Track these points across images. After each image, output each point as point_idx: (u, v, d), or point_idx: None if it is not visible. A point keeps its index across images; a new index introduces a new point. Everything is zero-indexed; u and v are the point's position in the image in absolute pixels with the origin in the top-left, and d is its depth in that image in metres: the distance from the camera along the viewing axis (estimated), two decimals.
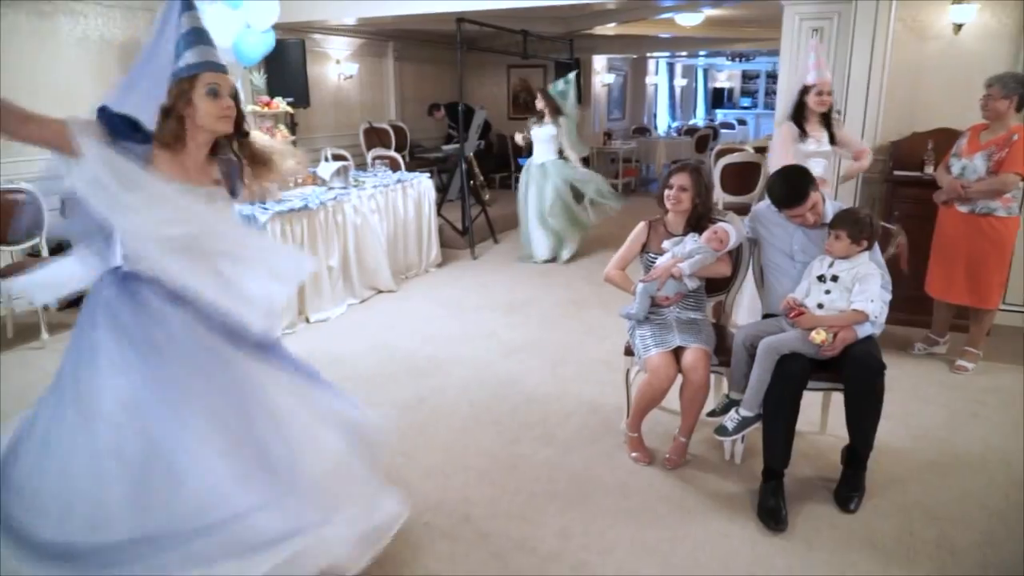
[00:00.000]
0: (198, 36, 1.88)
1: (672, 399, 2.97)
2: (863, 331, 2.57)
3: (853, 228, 2.62)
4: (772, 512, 2.53)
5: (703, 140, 11.86)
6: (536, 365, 4.03)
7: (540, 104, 6.45)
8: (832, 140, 3.84)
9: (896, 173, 4.61)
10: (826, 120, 3.83)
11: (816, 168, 3.71)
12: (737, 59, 15.59)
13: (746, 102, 19.06)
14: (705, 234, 2.85)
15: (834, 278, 2.63)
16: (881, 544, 2.43)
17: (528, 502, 2.70)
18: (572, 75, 6.64)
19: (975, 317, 3.95)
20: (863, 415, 2.55)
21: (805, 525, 2.54)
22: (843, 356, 2.55)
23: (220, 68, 1.90)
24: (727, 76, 19.85)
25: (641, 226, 3.06)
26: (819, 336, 2.50)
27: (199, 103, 1.86)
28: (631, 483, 2.82)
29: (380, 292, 5.45)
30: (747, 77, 19.06)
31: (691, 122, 15.92)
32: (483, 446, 3.12)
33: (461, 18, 6.26)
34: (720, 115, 18.23)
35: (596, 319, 4.79)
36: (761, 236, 2.97)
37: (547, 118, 6.41)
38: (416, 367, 4.01)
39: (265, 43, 5.14)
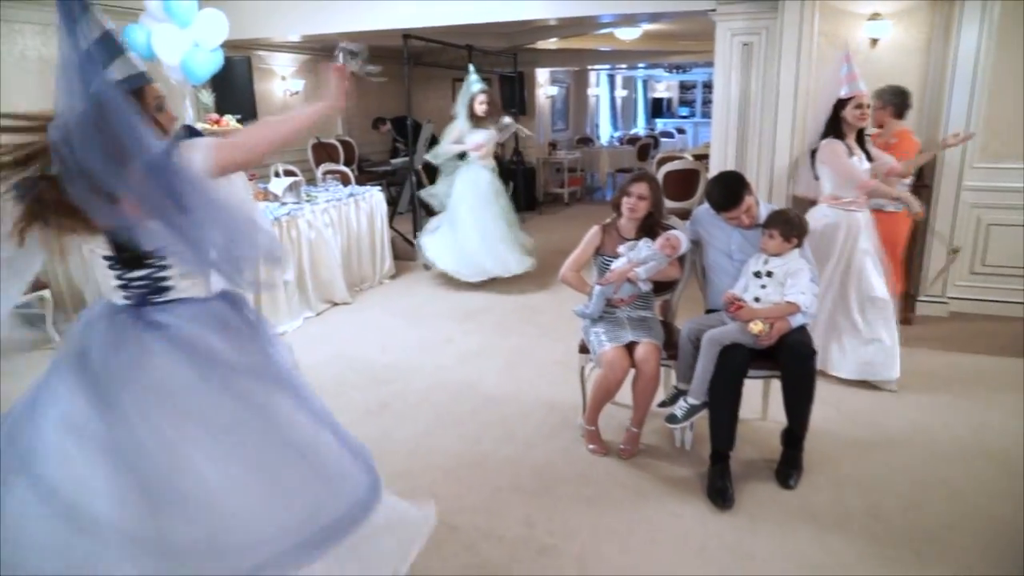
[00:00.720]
0: (117, 46, 1.63)
1: (624, 395, 3.16)
2: (796, 321, 2.80)
3: (785, 227, 2.85)
4: (720, 492, 2.73)
5: (644, 149, 12.23)
6: (493, 368, 4.18)
7: (485, 106, 5.95)
8: (869, 157, 3.71)
9: None
10: (860, 137, 3.69)
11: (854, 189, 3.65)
12: (674, 70, 16.12)
13: (684, 111, 19.69)
14: (659, 241, 3.05)
15: (769, 274, 2.86)
16: (818, 515, 2.65)
17: (493, 496, 2.83)
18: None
19: None
20: (798, 397, 2.78)
21: (750, 502, 2.74)
22: (779, 345, 2.78)
23: (151, 80, 1.74)
24: (666, 87, 20.49)
25: (595, 230, 3.24)
26: (756, 327, 2.71)
27: (151, 119, 1.69)
28: (589, 473, 2.98)
29: (336, 304, 5.51)
30: (684, 87, 19.69)
31: (632, 131, 16.37)
32: (446, 447, 3.25)
33: (407, 35, 6.40)
34: (660, 124, 18.77)
35: (550, 323, 4.96)
36: (702, 237, 3.19)
37: (485, 121, 5.98)
38: (376, 375, 4.10)
39: (214, 61, 5.17)
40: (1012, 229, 4.82)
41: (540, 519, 2.66)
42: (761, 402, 3.36)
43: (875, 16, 4.78)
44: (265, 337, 1.87)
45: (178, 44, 4.91)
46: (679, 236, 3.05)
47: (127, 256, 1.67)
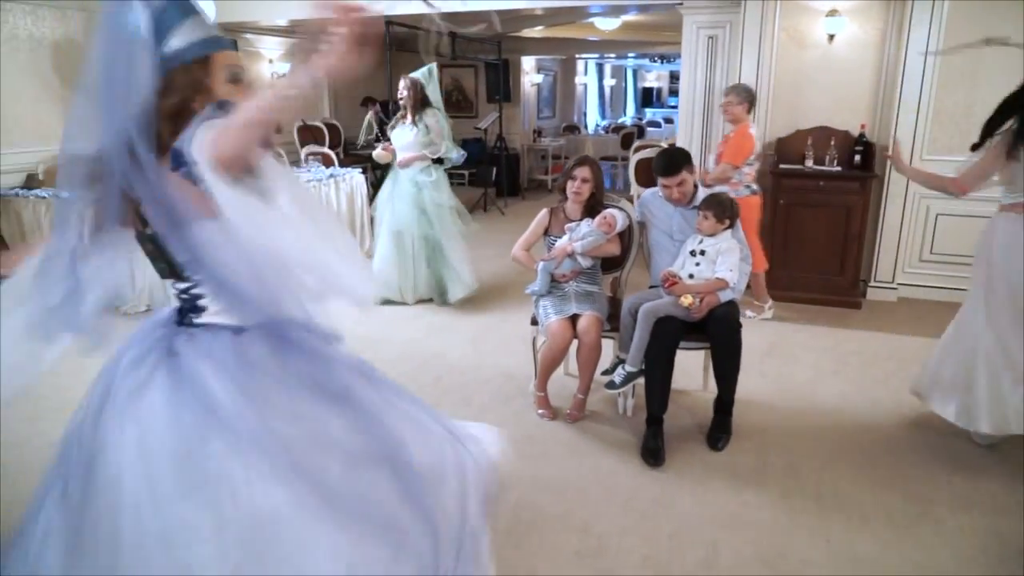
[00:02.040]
0: (187, 7, 1.39)
1: (576, 365, 3.39)
2: (725, 296, 3.04)
3: (718, 209, 3.09)
4: (653, 451, 2.97)
5: (628, 137, 12.43)
6: (458, 341, 4.42)
7: (403, 94, 4.89)
8: None
9: (781, 166, 5.16)
10: None
11: None
12: (661, 60, 16.29)
13: (674, 101, 19.86)
14: (596, 219, 3.29)
15: (702, 252, 3.09)
16: (739, 473, 2.90)
17: None
18: (432, 66, 5.15)
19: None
20: (725, 366, 3.03)
21: (679, 462, 2.99)
22: (708, 318, 3.01)
23: (232, 45, 1.46)
24: (656, 76, 20.69)
25: (543, 212, 3.48)
26: (687, 300, 2.95)
27: (221, 93, 1.41)
28: (535, 434, 3.23)
29: None
30: (674, 77, 19.85)
31: (620, 120, 16.56)
32: None
33: (389, 20, 6.57)
34: (649, 113, 18.96)
35: (513, 302, 5.18)
36: (647, 219, 3.42)
37: (407, 117, 4.89)
38: (349, 346, 4.32)
39: None
40: (958, 219, 5.05)
41: None
42: (702, 375, 3.60)
43: (833, 12, 4.99)
44: (315, 378, 1.50)
45: None
46: (615, 214, 3.28)
47: (162, 265, 1.45)
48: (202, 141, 1.27)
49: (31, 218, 5.18)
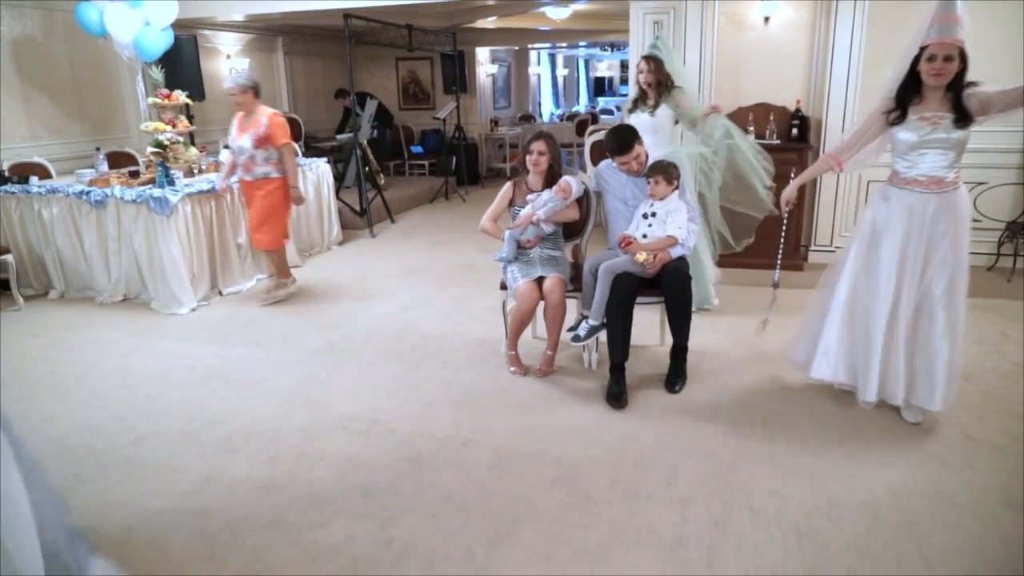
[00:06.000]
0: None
1: (543, 329, 3.67)
2: (675, 252, 3.35)
3: (666, 174, 3.40)
4: (616, 395, 3.28)
5: (583, 124, 12.76)
6: (432, 314, 4.67)
7: (646, 76, 4.31)
8: (962, 121, 2.77)
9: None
10: (955, 96, 2.78)
11: (922, 164, 2.93)
12: (611, 49, 16.68)
13: (625, 90, 20.31)
14: (554, 188, 3.57)
15: (653, 214, 3.41)
16: (694, 410, 3.23)
17: (427, 408, 3.33)
18: (660, 36, 4.82)
19: (269, 257, 5.20)
20: (678, 315, 3.35)
21: (641, 404, 3.31)
22: (661, 273, 3.32)
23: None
24: (607, 66, 21.11)
25: (507, 185, 3.75)
26: (642, 256, 3.25)
27: None
28: (510, 388, 3.51)
29: None
30: (624, 66, 20.30)
31: (573, 109, 16.90)
32: (388, 373, 3.73)
33: (348, 14, 6.75)
34: (602, 102, 19.36)
35: (485, 278, 5.46)
36: (603, 188, 3.72)
37: (650, 99, 4.34)
38: (324, 322, 4.55)
39: (165, 39, 5.48)
40: None
41: (465, 422, 3.17)
42: (660, 330, 3.93)
43: None
44: None
45: (130, 22, 5.21)
46: (570, 181, 3.57)
47: None
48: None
49: (2, 213, 5.25)
